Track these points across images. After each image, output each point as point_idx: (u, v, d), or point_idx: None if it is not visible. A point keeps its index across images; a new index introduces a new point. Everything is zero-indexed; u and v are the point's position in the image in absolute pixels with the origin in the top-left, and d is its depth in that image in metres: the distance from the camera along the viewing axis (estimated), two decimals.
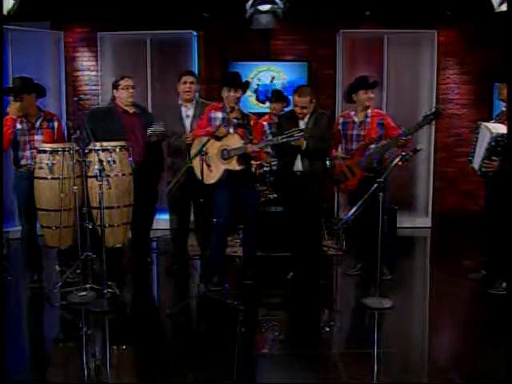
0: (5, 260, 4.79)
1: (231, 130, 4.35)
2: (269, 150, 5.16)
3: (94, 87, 6.93)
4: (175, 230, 5.00)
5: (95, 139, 4.30)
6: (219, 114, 4.42)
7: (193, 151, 4.37)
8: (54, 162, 4.26)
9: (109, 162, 4.27)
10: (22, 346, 3.66)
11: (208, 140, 4.14)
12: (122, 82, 4.79)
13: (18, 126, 4.40)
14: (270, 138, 5.28)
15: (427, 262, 5.96)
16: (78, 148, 4.24)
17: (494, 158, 4.19)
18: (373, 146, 4.63)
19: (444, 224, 6.78)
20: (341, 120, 4.82)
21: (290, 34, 6.90)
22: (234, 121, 4.38)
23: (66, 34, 6.76)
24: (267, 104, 6.45)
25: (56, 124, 4.58)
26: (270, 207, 5.29)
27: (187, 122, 4.79)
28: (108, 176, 4.21)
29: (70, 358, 3.42)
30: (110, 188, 4.22)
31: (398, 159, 4.18)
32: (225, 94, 4.39)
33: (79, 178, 4.28)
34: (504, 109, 4.35)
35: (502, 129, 4.14)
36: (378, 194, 4.09)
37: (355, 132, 4.68)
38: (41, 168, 4.28)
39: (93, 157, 4.23)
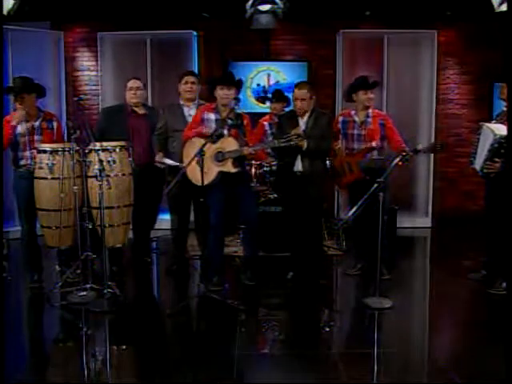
0: (5, 260, 4.78)
1: (225, 132, 4.31)
2: (269, 150, 5.16)
3: (93, 87, 6.93)
4: (175, 229, 5.00)
5: (105, 138, 4.32)
6: (212, 116, 4.39)
7: (184, 153, 4.35)
8: (54, 162, 4.26)
9: (109, 162, 4.27)
10: (22, 346, 3.66)
11: (206, 142, 4.12)
12: (128, 84, 4.93)
13: (18, 127, 4.40)
14: (269, 139, 5.28)
15: (427, 261, 5.96)
16: (78, 148, 4.24)
17: (496, 159, 4.18)
18: (375, 153, 4.63)
19: (444, 224, 6.78)
20: (340, 118, 4.82)
21: (290, 33, 6.90)
22: (228, 121, 4.32)
23: (66, 33, 6.76)
24: (267, 104, 6.45)
25: (55, 124, 4.58)
26: (270, 207, 5.29)
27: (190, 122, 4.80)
28: (108, 176, 4.21)
29: (70, 358, 3.42)
30: (110, 188, 4.22)
31: (398, 159, 4.19)
32: (217, 92, 4.36)
33: (79, 178, 4.28)
34: (505, 108, 4.35)
35: (504, 130, 4.13)
36: (378, 194, 4.09)
37: (356, 132, 4.68)
38: (41, 168, 4.28)
39: (93, 157, 4.23)
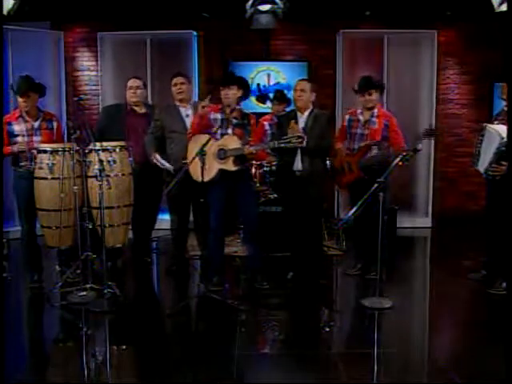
0: (5, 260, 4.78)
1: (229, 131, 4.34)
2: (269, 150, 5.16)
3: (94, 87, 6.93)
4: (175, 230, 5.00)
5: (104, 137, 4.32)
6: (218, 116, 4.40)
7: (189, 149, 4.36)
8: (54, 162, 4.26)
9: (109, 161, 4.27)
10: (22, 346, 3.66)
11: (207, 141, 4.14)
12: (128, 83, 4.97)
13: (16, 127, 4.40)
14: (269, 139, 5.28)
15: (427, 261, 5.96)
16: (78, 148, 4.24)
17: (502, 162, 4.17)
18: (375, 150, 4.62)
19: (444, 224, 6.78)
20: (347, 117, 4.82)
21: (290, 33, 6.90)
22: (233, 121, 4.37)
23: (66, 33, 6.76)
24: (267, 104, 6.46)
25: (55, 124, 4.58)
26: (270, 207, 5.29)
27: (188, 122, 4.79)
28: (108, 176, 4.21)
29: (70, 358, 3.42)
30: (110, 188, 4.22)
31: (398, 159, 4.18)
32: (221, 93, 4.38)
33: (79, 177, 4.28)
34: (505, 108, 4.34)
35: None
36: (378, 194, 4.09)
37: (359, 131, 4.67)
38: (41, 168, 4.29)
39: (93, 157, 4.23)
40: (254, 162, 5.31)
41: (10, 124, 4.41)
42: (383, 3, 6.19)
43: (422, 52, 6.73)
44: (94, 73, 6.93)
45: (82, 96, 5.11)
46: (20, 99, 4.40)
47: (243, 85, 4.43)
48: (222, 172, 4.30)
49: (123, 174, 4.37)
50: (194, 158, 4.09)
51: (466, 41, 6.88)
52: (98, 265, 4.33)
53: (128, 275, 5.00)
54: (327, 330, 3.85)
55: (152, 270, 5.36)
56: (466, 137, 6.90)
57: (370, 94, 4.61)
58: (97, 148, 4.25)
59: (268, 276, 4.56)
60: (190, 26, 6.64)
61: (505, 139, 4.12)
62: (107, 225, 4.29)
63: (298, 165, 4.58)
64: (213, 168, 4.29)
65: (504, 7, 4.61)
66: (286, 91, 6.29)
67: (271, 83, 6.90)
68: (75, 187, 4.20)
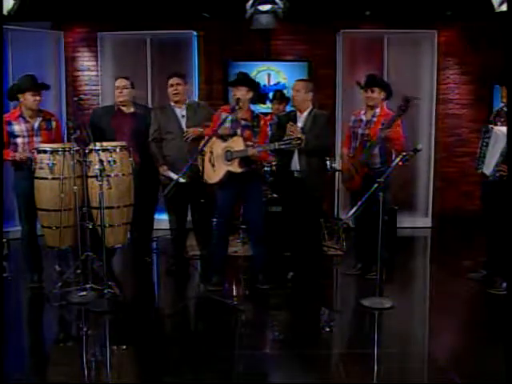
0: (5, 260, 4.78)
1: (238, 131, 4.34)
2: None
3: (93, 87, 6.93)
4: (174, 230, 5.00)
5: (93, 138, 4.31)
6: (228, 116, 4.38)
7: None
8: (55, 162, 4.25)
9: (109, 162, 4.26)
10: (22, 346, 3.66)
11: (207, 140, 4.14)
12: (115, 83, 4.93)
13: (17, 127, 4.40)
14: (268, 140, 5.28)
15: (427, 261, 5.96)
16: (78, 148, 4.24)
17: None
18: (376, 149, 4.61)
19: (444, 224, 6.78)
20: (352, 118, 4.82)
21: (290, 33, 6.90)
22: (242, 122, 4.37)
23: (66, 34, 6.76)
24: (268, 104, 6.45)
25: (54, 124, 4.56)
26: (270, 207, 5.28)
27: (183, 122, 4.78)
28: (108, 176, 4.21)
29: (70, 358, 3.42)
30: (110, 188, 4.21)
31: (398, 159, 4.18)
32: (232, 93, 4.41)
33: (79, 178, 4.28)
34: (505, 109, 4.34)
35: None
36: (378, 194, 4.09)
37: (360, 131, 4.66)
38: (41, 168, 4.28)
39: (93, 157, 4.23)
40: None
41: (10, 124, 4.39)
42: (383, 3, 6.19)
43: (422, 52, 6.73)
44: (94, 73, 6.93)
45: (81, 96, 5.13)
46: (31, 97, 4.37)
47: (254, 86, 4.42)
48: (229, 174, 4.30)
49: (123, 174, 4.37)
50: (194, 158, 4.11)
51: (466, 41, 6.88)
52: (98, 265, 4.33)
53: (128, 275, 5.00)
54: (327, 330, 3.86)
55: (152, 270, 5.36)
56: (466, 137, 6.90)
57: (372, 92, 4.61)
58: (97, 148, 4.24)
59: (268, 276, 4.56)
60: (189, 26, 6.64)
61: None
62: (107, 225, 4.29)
63: (295, 165, 4.59)
64: (221, 170, 4.31)
65: (504, 7, 4.61)
66: (285, 91, 6.30)
67: (271, 83, 6.90)
68: (75, 187, 4.20)
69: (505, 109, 4.36)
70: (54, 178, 4.27)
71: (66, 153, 4.28)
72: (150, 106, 6.46)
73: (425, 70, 6.74)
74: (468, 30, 6.81)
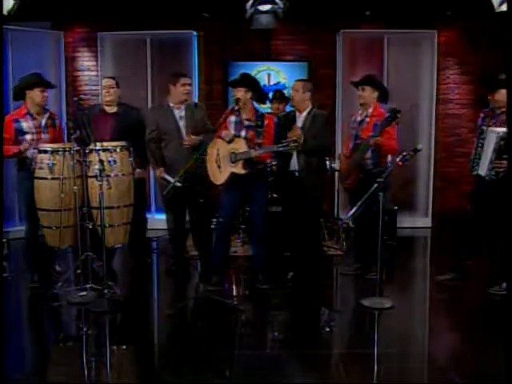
0: (5, 260, 4.78)
1: (243, 133, 4.35)
2: None
3: (93, 87, 6.93)
4: (172, 229, 5.00)
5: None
6: (233, 118, 4.41)
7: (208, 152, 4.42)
8: (55, 162, 4.25)
9: (109, 161, 4.26)
10: (22, 346, 3.66)
11: (207, 144, 4.21)
12: (103, 83, 4.90)
13: (25, 124, 4.39)
14: None
15: (427, 261, 5.96)
16: (78, 148, 4.24)
17: (504, 156, 4.14)
18: (369, 152, 4.60)
19: (444, 224, 6.78)
20: (352, 118, 4.83)
21: (290, 33, 6.90)
22: (245, 122, 4.37)
23: (66, 34, 6.76)
24: (268, 104, 6.45)
25: (57, 122, 4.60)
26: (270, 207, 5.28)
27: (181, 124, 4.77)
28: (108, 176, 4.20)
29: (70, 358, 3.42)
30: (110, 188, 4.21)
31: (398, 159, 4.18)
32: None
33: (79, 177, 4.28)
34: (498, 111, 4.33)
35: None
36: (378, 194, 4.09)
37: (354, 132, 4.67)
38: (41, 168, 4.28)
39: (93, 157, 4.23)
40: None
41: (17, 121, 4.39)
42: (383, 3, 6.18)
43: (422, 52, 6.74)
44: (94, 73, 6.92)
45: (81, 96, 5.12)
46: (40, 93, 4.39)
47: (251, 85, 4.38)
48: (234, 175, 4.31)
49: (123, 174, 4.37)
50: (194, 159, 4.12)
51: (466, 41, 6.88)
52: (98, 265, 4.33)
53: (128, 275, 4.99)
54: (327, 330, 3.86)
55: (152, 270, 5.36)
56: (466, 137, 6.89)
57: (363, 90, 4.60)
58: (97, 148, 4.24)
59: (269, 276, 4.56)
60: (189, 26, 6.64)
61: (501, 133, 4.14)
62: (107, 225, 4.29)
63: (295, 165, 4.59)
64: (226, 171, 4.33)
65: (504, 7, 4.61)
66: (285, 91, 6.30)
67: (271, 83, 6.90)
68: (75, 187, 4.20)
69: (497, 111, 4.34)
70: (53, 178, 4.26)
71: (66, 153, 4.28)
72: (149, 105, 6.49)
73: (425, 69, 6.75)
74: (468, 30, 6.80)
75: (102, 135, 4.55)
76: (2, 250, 4.74)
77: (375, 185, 4.09)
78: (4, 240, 4.78)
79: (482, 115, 4.52)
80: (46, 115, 4.50)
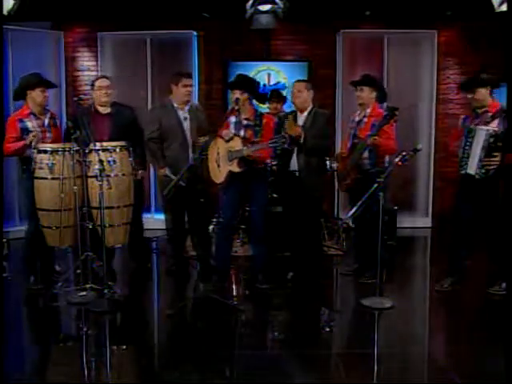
0: (5, 260, 4.78)
1: (242, 133, 4.37)
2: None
3: None
4: (171, 229, 4.99)
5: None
6: (233, 118, 4.42)
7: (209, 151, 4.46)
8: (54, 162, 4.25)
9: (109, 162, 4.26)
10: (22, 346, 3.66)
11: (208, 143, 4.24)
12: (97, 83, 4.70)
13: (29, 123, 4.39)
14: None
15: (427, 261, 5.96)
16: (78, 148, 4.24)
17: (494, 153, 4.15)
18: (366, 152, 4.59)
19: (444, 224, 6.77)
20: (350, 119, 4.83)
21: (290, 33, 6.89)
22: (244, 122, 4.39)
23: (66, 34, 6.76)
24: (267, 104, 6.45)
25: (58, 122, 4.62)
26: (270, 207, 5.28)
27: (185, 125, 4.76)
28: (108, 176, 4.20)
29: (70, 358, 3.42)
30: (110, 188, 4.21)
31: (397, 159, 4.18)
32: None
33: (79, 178, 4.28)
34: (479, 111, 4.29)
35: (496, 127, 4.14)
36: (377, 194, 4.09)
37: (352, 132, 4.67)
38: (41, 168, 4.28)
39: (93, 157, 4.23)
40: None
41: (22, 121, 4.38)
42: (383, 3, 6.18)
43: (422, 52, 6.74)
44: (94, 73, 6.90)
45: (81, 96, 5.11)
46: (41, 93, 4.40)
47: (246, 87, 4.38)
48: (232, 174, 4.32)
49: (123, 174, 4.37)
50: (193, 159, 4.20)
51: (466, 41, 6.87)
52: (98, 265, 4.33)
53: (128, 275, 4.99)
54: (327, 330, 3.86)
55: (152, 271, 5.36)
56: None
57: (361, 90, 4.60)
58: (97, 148, 4.24)
59: (268, 276, 4.56)
60: (189, 26, 6.64)
61: (490, 130, 4.13)
62: (107, 225, 4.29)
63: (294, 165, 4.59)
64: (224, 170, 4.37)
65: (504, 7, 4.61)
66: (284, 91, 6.31)
67: (271, 83, 6.90)
68: (75, 187, 4.20)
69: (478, 111, 4.30)
70: (53, 178, 4.27)
71: (66, 153, 4.28)
72: (149, 105, 6.49)
73: (425, 69, 6.75)
74: (468, 30, 6.80)
75: (99, 136, 4.53)
76: (2, 250, 4.74)
77: (375, 185, 4.09)
78: (4, 240, 4.78)
79: (463, 116, 4.52)
80: (48, 115, 4.52)
